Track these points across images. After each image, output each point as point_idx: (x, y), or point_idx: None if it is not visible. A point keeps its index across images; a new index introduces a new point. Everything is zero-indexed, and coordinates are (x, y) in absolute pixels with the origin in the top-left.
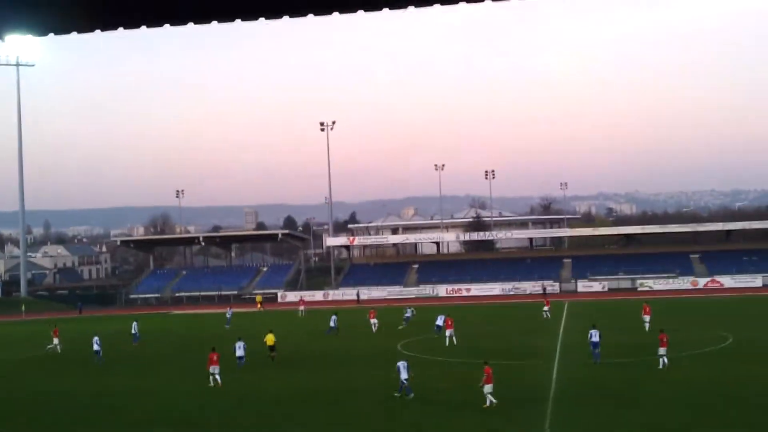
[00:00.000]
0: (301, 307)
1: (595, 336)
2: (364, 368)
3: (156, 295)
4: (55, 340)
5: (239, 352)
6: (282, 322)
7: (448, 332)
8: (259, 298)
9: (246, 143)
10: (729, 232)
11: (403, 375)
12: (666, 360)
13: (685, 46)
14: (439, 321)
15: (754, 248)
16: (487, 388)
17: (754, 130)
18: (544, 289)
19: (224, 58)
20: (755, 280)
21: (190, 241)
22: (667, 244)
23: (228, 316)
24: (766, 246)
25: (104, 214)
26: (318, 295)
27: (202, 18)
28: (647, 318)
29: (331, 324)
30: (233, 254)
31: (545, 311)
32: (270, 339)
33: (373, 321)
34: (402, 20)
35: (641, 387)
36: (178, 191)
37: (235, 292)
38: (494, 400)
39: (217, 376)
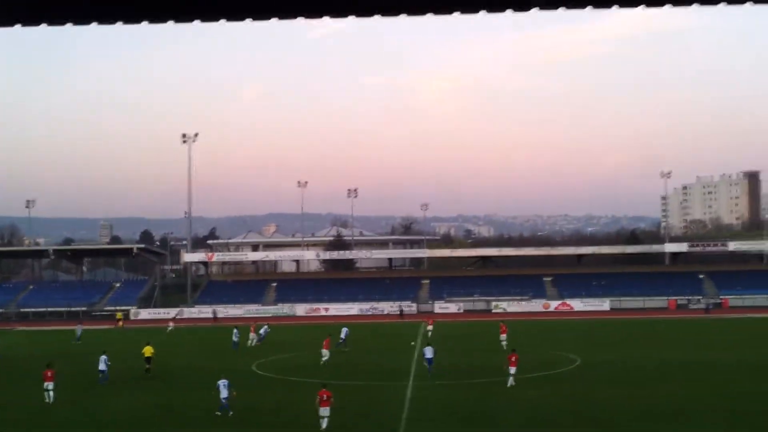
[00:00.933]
0: (171, 325)
1: (429, 353)
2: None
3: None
4: None
5: (101, 366)
6: (141, 339)
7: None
8: (119, 315)
9: (101, 152)
10: (580, 256)
11: (223, 394)
12: (513, 380)
13: (546, 75)
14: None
15: (604, 272)
16: (323, 411)
17: (606, 160)
18: (401, 310)
19: (82, 64)
20: (603, 304)
21: (40, 253)
22: (521, 267)
23: (78, 333)
24: (615, 270)
25: None
26: (172, 313)
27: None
28: (503, 337)
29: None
30: (85, 269)
31: (428, 330)
32: (148, 350)
33: (252, 336)
34: (269, 34)
35: (493, 406)
36: (28, 201)
37: (85, 309)
38: (323, 426)
39: (51, 392)
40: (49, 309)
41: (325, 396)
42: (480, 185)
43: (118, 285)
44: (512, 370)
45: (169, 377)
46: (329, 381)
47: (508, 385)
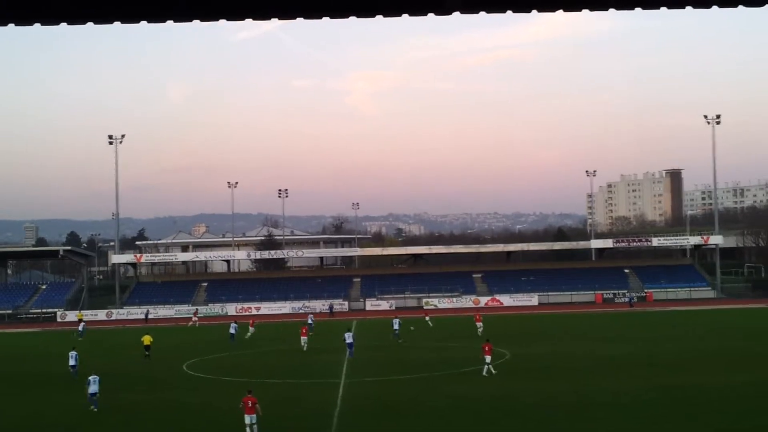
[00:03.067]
0: (195, 320)
1: (349, 338)
2: (142, 389)
3: None
4: None
5: (71, 362)
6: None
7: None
8: (80, 316)
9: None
10: (509, 253)
11: (92, 389)
12: (491, 368)
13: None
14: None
15: (532, 268)
16: (248, 419)
17: (533, 160)
18: (331, 307)
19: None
20: (532, 299)
21: None
22: (452, 264)
23: None
24: (543, 266)
25: None
26: (101, 314)
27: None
28: (480, 324)
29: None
30: (10, 271)
31: (479, 327)
32: (147, 339)
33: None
34: (195, 34)
35: (423, 400)
36: None
37: (11, 312)
38: None
39: None
40: None
41: (249, 403)
42: (410, 185)
43: (44, 287)
44: (488, 359)
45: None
46: (263, 380)
47: (484, 373)
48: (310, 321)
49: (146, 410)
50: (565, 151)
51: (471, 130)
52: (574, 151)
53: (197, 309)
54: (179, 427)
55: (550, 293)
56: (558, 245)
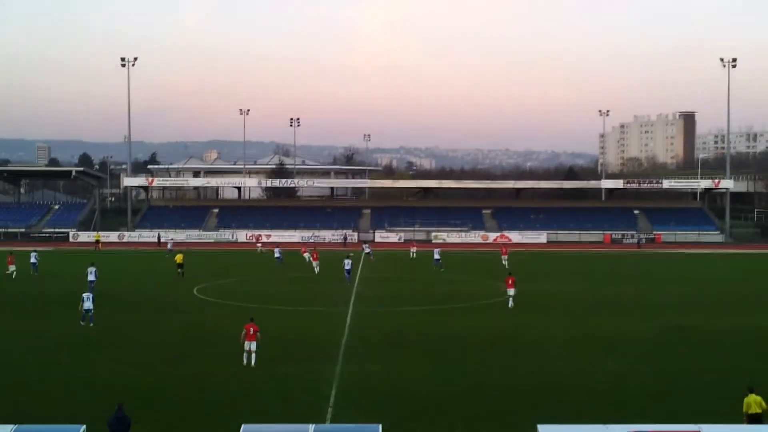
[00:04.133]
0: (259, 246)
1: (347, 265)
2: (150, 311)
3: None
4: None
5: (91, 277)
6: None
7: (314, 264)
8: (97, 237)
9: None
10: (519, 190)
11: (86, 305)
12: (512, 301)
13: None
14: (347, 265)
15: (541, 206)
16: (249, 345)
17: (547, 97)
18: (345, 237)
19: None
20: (540, 236)
21: None
22: (462, 199)
23: (33, 261)
24: (552, 205)
25: None
26: (113, 236)
27: None
28: (505, 258)
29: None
30: (22, 190)
31: (412, 252)
32: (179, 258)
33: (306, 256)
34: None
35: (428, 332)
36: None
37: (23, 230)
38: (253, 362)
39: None
40: None
41: (251, 330)
42: (422, 118)
43: (57, 207)
44: (511, 291)
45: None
46: (273, 306)
47: (509, 306)
48: (367, 250)
49: (149, 332)
50: (579, 91)
51: (485, 66)
52: (587, 91)
53: (260, 234)
54: (182, 347)
55: (558, 231)
56: (568, 184)
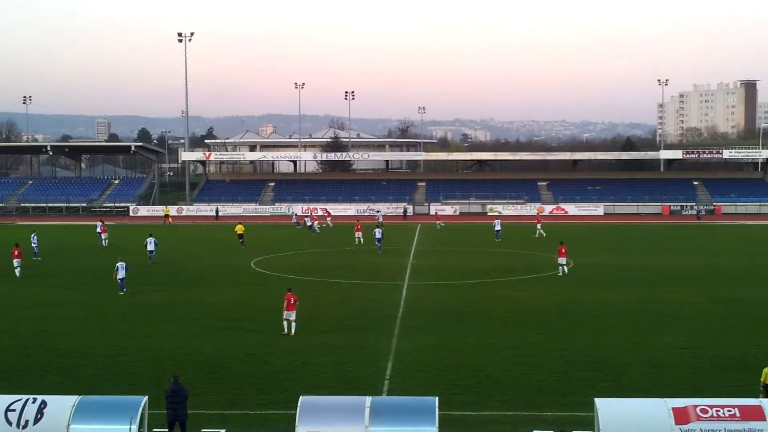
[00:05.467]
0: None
1: (378, 234)
2: (206, 285)
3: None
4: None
5: (150, 247)
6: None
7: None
8: (166, 211)
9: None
10: (575, 161)
11: (121, 274)
12: (566, 269)
13: None
14: (378, 234)
15: (598, 178)
16: (288, 314)
17: (604, 67)
18: (405, 210)
19: None
20: (597, 209)
21: (38, 149)
22: (517, 171)
23: (99, 231)
24: (609, 176)
25: None
26: (172, 211)
27: None
28: (539, 226)
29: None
30: (83, 165)
31: (538, 229)
32: (240, 228)
33: (358, 234)
34: None
35: (486, 307)
36: (25, 97)
37: (84, 205)
38: (293, 330)
39: (18, 269)
40: (49, 204)
41: (292, 300)
42: (477, 90)
43: (116, 182)
44: (562, 260)
45: (172, 275)
46: (329, 279)
47: (560, 273)
48: (498, 227)
49: (207, 304)
50: (637, 60)
51: (540, 35)
52: (645, 60)
53: (326, 207)
54: (239, 319)
55: (616, 204)
56: (626, 155)
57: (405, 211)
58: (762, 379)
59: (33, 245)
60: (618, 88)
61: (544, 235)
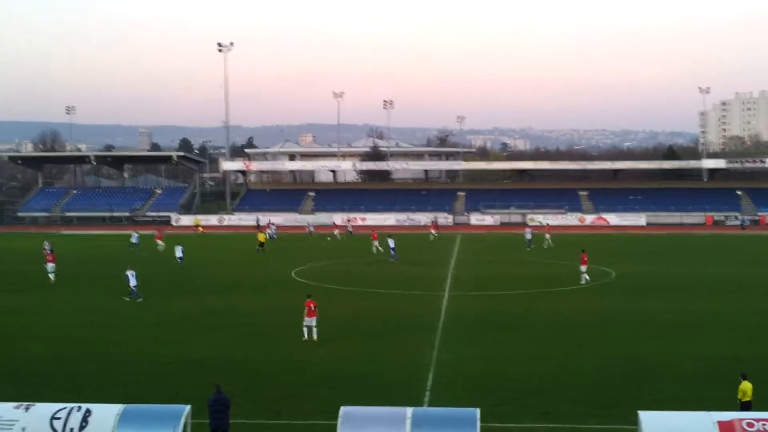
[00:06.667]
0: (336, 231)
1: (392, 243)
2: (247, 293)
3: (45, 214)
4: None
5: (178, 254)
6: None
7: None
8: (197, 221)
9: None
10: (617, 171)
11: (132, 282)
12: (587, 277)
13: None
14: (391, 243)
15: (640, 187)
16: (309, 321)
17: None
18: (435, 220)
19: None
20: (639, 219)
21: (82, 159)
22: (557, 181)
23: (134, 240)
24: (651, 185)
25: None
26: (213, 220)
27: None
28: (548, 236)
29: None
30: (126, 175)
31: (547, 239)
32: (261, 237)
33: (375, 242)
34: None
35: (527, 317)
36: (68, 107)
37: (128, 214)
38: (315, 336)
39: (52, 274)
40: (93, 214)
41: (312, 306)
42: (516, 99)
43: (159, 191)
44: (583, 268)
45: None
46: (368, 289)
47: (582, 282)
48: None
49: (248, 313)
50: (678, 68)
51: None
52: (687, 68)
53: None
54: (279, 327)
55: (658, 213)
56: (668, 164)
57: (435, 220)
58: (740, 396)
59: (45, 250)
60: (659, 96)
61: (552, 245)
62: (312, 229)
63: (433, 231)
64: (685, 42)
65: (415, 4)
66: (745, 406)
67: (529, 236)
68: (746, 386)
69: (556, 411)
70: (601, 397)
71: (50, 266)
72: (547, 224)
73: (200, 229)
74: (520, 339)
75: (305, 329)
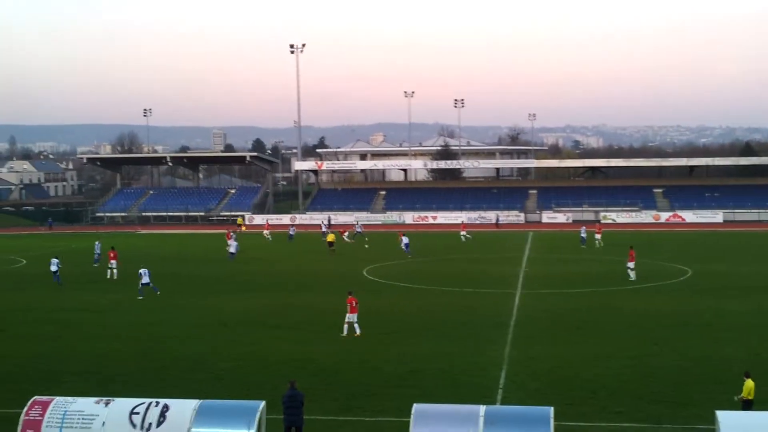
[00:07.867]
0: (266, 231)
1: (405, 240)
2: (320, 291)
3: (123, 214)
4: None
5: (231, 249)
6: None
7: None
8: (240, 221)
9: (215, 63)
10: (692, 167)
11: (144, 280)
12: (633, 274)
13: None
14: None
15: (717, 184)
16: (350, 317)
17: (720, 71)
18: (497, 219)
19: None
20: (716, 216)
21: (158, 160)
22: (631, 178)
23: (291, 233)
24: (728, 182)
25: (70, 130)
26: (285, 219)
27: None
28: (598, 236)
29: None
30: (201, 175)
31: (597, 239)
32: (331, 237)
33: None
34: None
35: (600, 315)
36: (145, 110)
37: (203, 214)
38: (358, 331)
39: (114, 270)
40: (169, 213)
41: (354, 302)
42: (589, 95)
43: (233, 191)
44: (631, 264)
45: (281, 282)
46: (440, 287)
47: (631, 278)
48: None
49: (319, 312)
50: (755, 62)
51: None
52: (764, 62)
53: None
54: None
55: (735, 210)
56: (745, 160)
57: (497, 219)
58: (744, 394)
59: (96, 253)
60: (735, 91)
61: (602, 245)
62: (360, 229)
63: (463, 231)
64: (763, 36)
65: (488, 2)
66: (747, 405)
67: (584, 234)
68: (750, 384)
69: (631, 411)
70: (678, 397)
71: (113, 263)
72: (598, 223)
73: (243, 228)
74: (593, 337)
75: (346, 326)
